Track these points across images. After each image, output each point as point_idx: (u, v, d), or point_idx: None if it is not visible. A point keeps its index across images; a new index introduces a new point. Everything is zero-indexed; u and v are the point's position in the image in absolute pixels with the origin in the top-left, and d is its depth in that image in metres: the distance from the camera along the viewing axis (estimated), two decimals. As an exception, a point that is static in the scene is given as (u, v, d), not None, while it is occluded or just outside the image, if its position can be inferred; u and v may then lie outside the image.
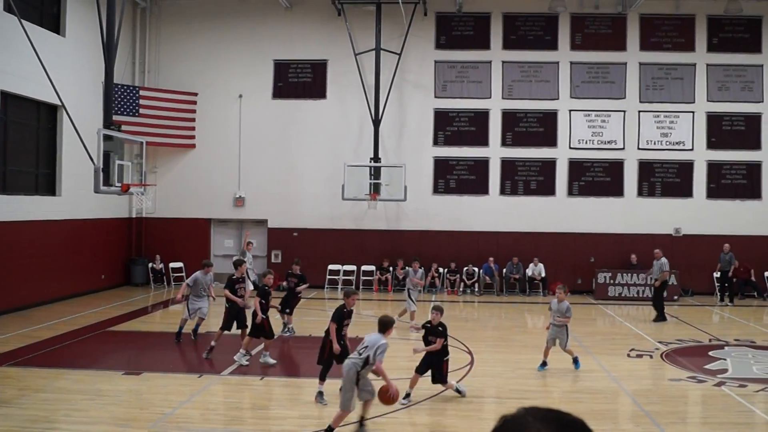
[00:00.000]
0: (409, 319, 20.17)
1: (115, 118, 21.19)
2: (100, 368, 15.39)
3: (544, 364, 15.82)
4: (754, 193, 29.51)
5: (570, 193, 29.77)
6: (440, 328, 13.34)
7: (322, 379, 13.08)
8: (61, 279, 24.93)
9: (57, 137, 25.08)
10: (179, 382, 14.24)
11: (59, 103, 20.54)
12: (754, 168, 29.54)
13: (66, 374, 14.71)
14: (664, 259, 23.35)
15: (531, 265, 29.00)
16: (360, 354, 11.19)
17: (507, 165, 29.82)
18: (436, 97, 29.99)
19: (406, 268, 22.23)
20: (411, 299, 21.15)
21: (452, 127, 29.99)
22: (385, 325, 11.41)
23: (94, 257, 27.27)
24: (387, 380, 11.00)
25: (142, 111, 28.38)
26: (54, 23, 24.84)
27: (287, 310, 19.54)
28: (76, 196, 25.28)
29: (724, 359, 17.15)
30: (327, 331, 13.21)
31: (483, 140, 29.87)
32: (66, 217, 25.18)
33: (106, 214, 27.87)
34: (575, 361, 15.88)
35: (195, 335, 18.86)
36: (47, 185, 24.92)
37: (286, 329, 19.60)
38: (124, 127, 22.43)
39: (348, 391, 11.11)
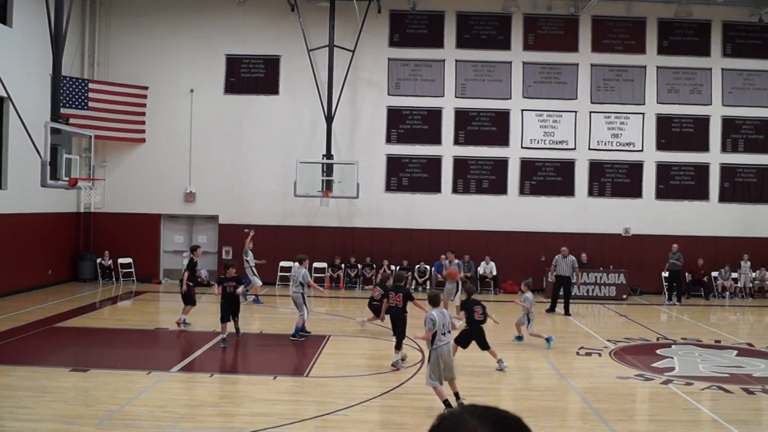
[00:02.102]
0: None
1: (63, 111, 20.94)
2: (46, 365, 15.13)
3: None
4: (702, 194, 29.96)
5: (521, 192, 29.96)
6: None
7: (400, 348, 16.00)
8: (6, 274, 24.47)
9: (3, 130, 24.56)
10: (127, 379, 14.05)
11: (5, 95, 20.19)
12: (702, 169, 29.98)
13: (11, 371, 14.44)
14: (572, 257, 24.52)
15: (482, 263, 29.14)
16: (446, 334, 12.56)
17: (459, 163, 29.92)
18: (389, 94, 29.98)
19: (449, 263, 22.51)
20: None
21: (405, 125, 30.01)
22: (439, 299, 13.24)
23: (41, 252, 26.82)
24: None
25: (91, 104, 27.96)
26: (0, 13, 24.36)
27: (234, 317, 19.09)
28: (23, 190, 24.79)
29: (671, 358, 17.38)
30: (402, 309, 16.20)
31: (436, 138, 29.95)
32: (12, 211, 24.71)
33: (53, 209, 27.41)
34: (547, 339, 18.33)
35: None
36: (-7, 178, 24.46)
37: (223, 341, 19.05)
38: (72, 121, 22.17)
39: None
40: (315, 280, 28.08)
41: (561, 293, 24.42)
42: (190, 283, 19.86)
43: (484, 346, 15.74)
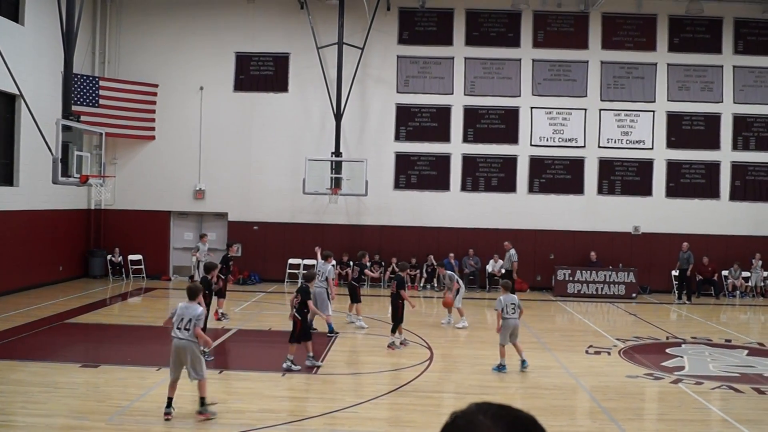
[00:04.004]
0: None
1: (74, 108, 21.01)
2: (58, 360, 15.21)
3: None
4: (713, 192, 29.84)
5: (531, 190, 29.91)
6: None
7: (394, 331, 17.56)
8: (18, 270, 24.58)
9: (15, 127, 24.68)
10: (137, 375, 14.10)
11: (17, 93, 20.31)
12: (713, 167, 29.88)
13: (22, 366, 14.52)
14: (513, 251, 25.59)
15: (491, 261, 29.08)
16: (188, 329, 11.57)
17: (468, 161, 29.89)
18: (398, 92, 29.97)
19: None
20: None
21: (414, 122, 30.00)
22: (194, 292, 12.05)
23: (52, 248, 26.92)
24: (207, 340, 11.88)
25: (101, 102, 28.04)
26: (13, 12, 24.43)
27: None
28: (34, 187, 24.92)
29: (681, 357, 17.34)
30: (396, 295, 17.36)
31: (445, 136, 29.93)
32: (23, 208, 24.81)
33: (64, 206, 27.51)
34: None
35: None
36: (4, 175, 24.51)
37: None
38: (83, 118, 22.22)
39: (200, 361, 11.66)
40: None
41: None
42: (222, 277, 20.30)
43: (293, 337, 15.01)
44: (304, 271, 16.88)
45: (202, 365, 11.68)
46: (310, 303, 15.06)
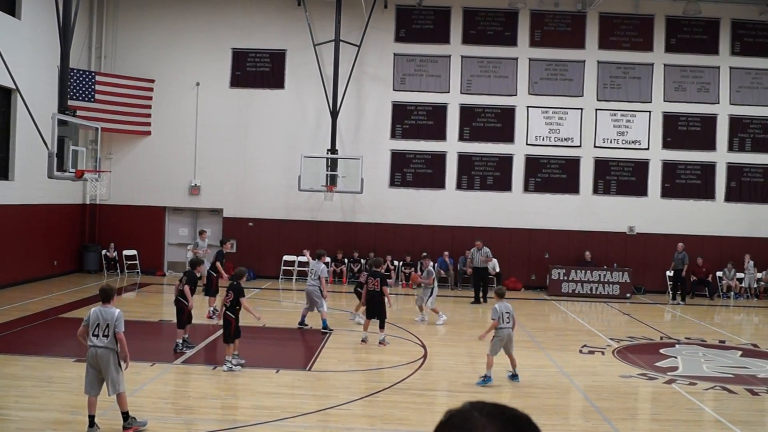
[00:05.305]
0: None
1: (70, 103, 20.99)
2: (51, 355, 15.20)
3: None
4: (708, 193, 29.87)
5: (526, 189, 29.91)
6: None
7: (383, 326, 17.61)
8: (12, 264, 24.53)
9: (11, 121, 24.64)
10: (131, 371, 13.89)
11: (13, 87, 20.24)
12: (708, 168, 29.90)
13: (16, 360, 14.50)
14: (486, 248, 25.93)
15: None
16: (107, 336, 10.64)
17: (464, 160, 29.89)
18: (394, 90, 29.96)
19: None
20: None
21: (410, 120, 29.99)
22: (108, 294, 11.13)
23: (47, 243, 26.89)
24: (125, 350, 10.76)
25: (97, 96, 28.01)
26: (9, 6, 24.36)
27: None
28: (29, 181, 24.85)
29: (675, 357, 17.33)
30: (379, 292, 17.50)
31: (440, 134, 29.92)
32: (18, 202, 24.77)
33: (59, 200, 27.46)
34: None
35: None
36: (0, 169, 24.49)
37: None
38: (79, 113, 22.22)
39: (118, 372, 10.69)
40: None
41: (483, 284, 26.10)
42: (214, 273, 20.67)
43: (228, 337, 14.65)
44: (240, 268, 15.97)
45: (120, 377, 10.66)
46: (243, 300, 14.72)
